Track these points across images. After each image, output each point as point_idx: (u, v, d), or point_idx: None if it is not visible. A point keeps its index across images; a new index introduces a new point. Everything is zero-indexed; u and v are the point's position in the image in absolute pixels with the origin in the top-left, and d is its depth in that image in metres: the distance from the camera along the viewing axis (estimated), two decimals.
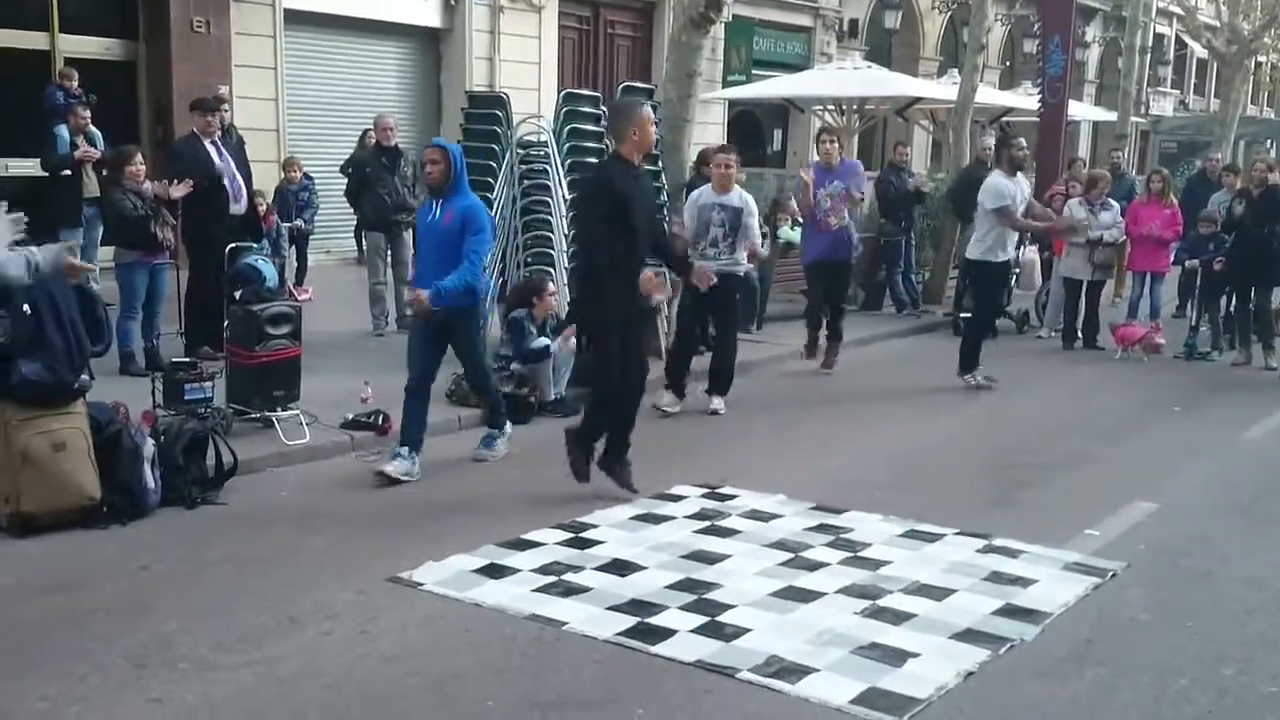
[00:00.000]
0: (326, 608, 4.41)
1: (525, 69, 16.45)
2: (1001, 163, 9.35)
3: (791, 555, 5.10)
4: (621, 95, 8.90)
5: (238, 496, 5.74)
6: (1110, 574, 4.97)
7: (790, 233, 11.60)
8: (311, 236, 12.24)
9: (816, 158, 10.07)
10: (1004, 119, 18.47)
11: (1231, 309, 10.77)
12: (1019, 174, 9.21)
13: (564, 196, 8.76)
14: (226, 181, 8.43)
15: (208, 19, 12.64)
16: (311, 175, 12.32)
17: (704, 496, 5.98)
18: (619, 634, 4.21)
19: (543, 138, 9.05)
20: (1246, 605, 4.71)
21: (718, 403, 7.98)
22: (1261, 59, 30.56)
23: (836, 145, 9.77)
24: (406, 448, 6.13)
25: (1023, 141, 9.55)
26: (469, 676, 3.90)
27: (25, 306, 5.06)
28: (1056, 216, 10.38)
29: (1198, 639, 4.35)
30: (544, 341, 7.79)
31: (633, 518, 5.60)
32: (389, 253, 10.18)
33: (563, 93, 9.78)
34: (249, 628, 4.21)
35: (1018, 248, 12.10)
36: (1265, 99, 36.64)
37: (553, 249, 8.74)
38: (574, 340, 7.82)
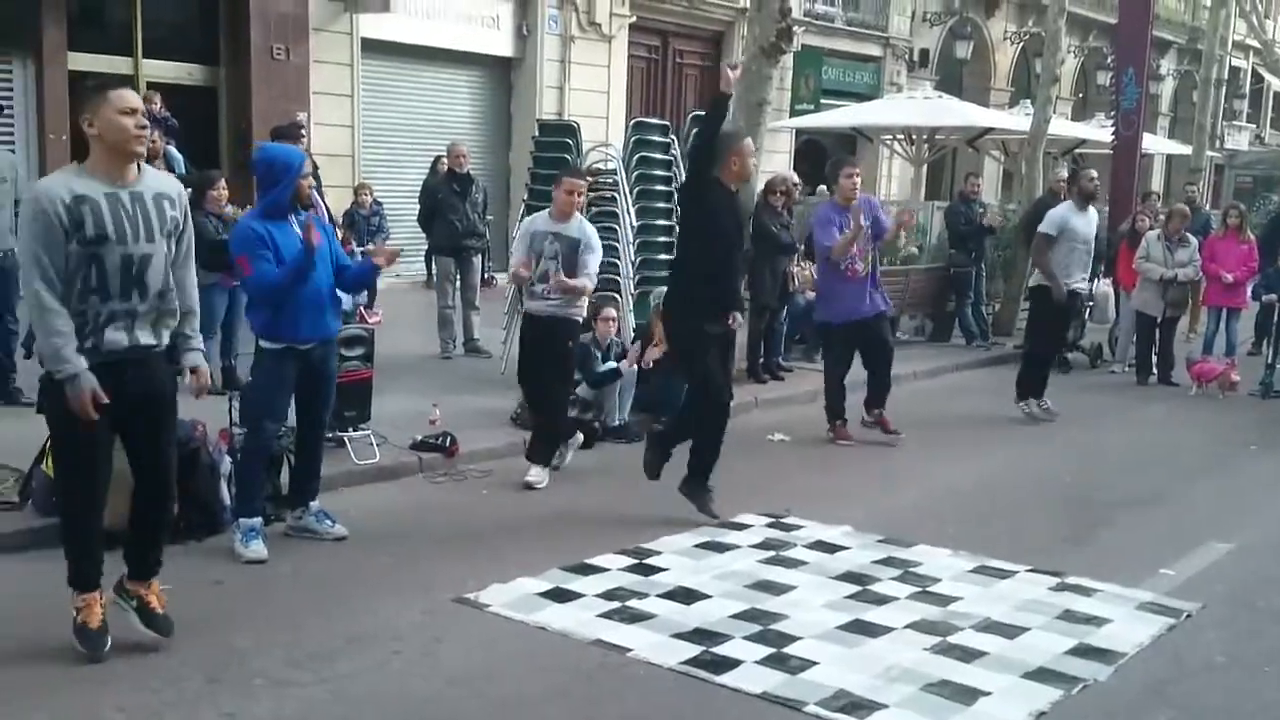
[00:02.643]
0: (393, 628, 4.45)
1: (595, 98, 16.61)
2: (1072, 193, 9.20)
3: (859, 588, 5.05)
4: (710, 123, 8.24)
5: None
6: (1185, 615, 4.85)
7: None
8: None
9: (832, 196, 8.35)
10: (1077, 151, 18.27)
11: None
12: (1090, 207, 9.01)
13: (631, 224, 8.82)
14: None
15: (287, 46, 12.94)
16: (381, 200, 12.52)
17: (769, 526, 5.95)
18: (683, 662, 4.19)
19: (611, 165, 9.13)
20: None
21: (535, 474, 6.51)
22: None
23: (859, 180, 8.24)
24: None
25: (1093, 173, 9.34)
26: (532, 700, 3.91)
27: None
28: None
29: (1276, 684, 4.23)
30: (611, 365, 7.83)
31: (697, 545, 5.58)
32: (458, 277, 10.31)
33: (632, 121, 9.87)
34: (319, 645, 4.26)
35: (1092, 280, 11.96)
36: None
37: (619, 275, 8.80)
38: (637, 366, 7.85)
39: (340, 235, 10.16)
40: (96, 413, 3.86)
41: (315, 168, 9.42)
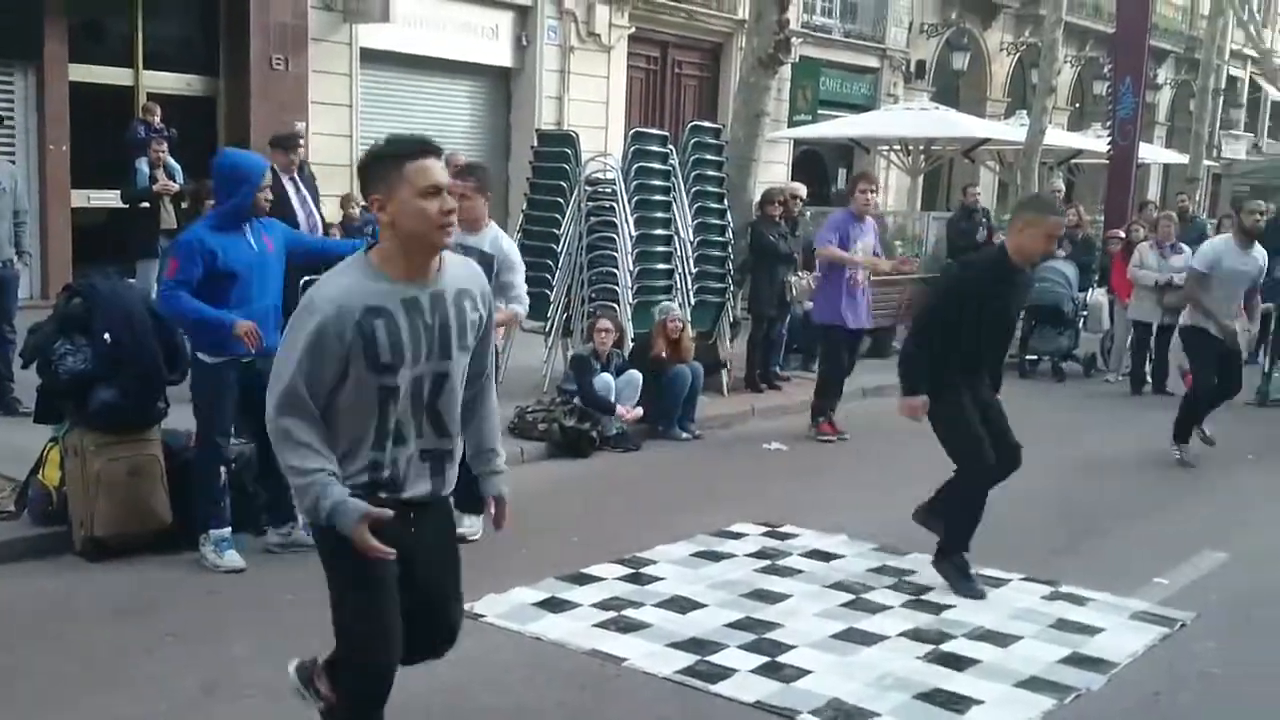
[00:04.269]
0: None
1: (594, 108, 16.65)
2: (1233, 228, 8.26)
3: (853, 597, 5.07)
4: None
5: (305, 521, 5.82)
6: (1179, 624, 4.86)
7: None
8: None
9: (849, 207, 8.51)
10: (1073, 160, 18.33)
11: None
12: (1256, 245, 7.97)
13: (630, 234, 8.85)
14: (303, 217, 8.61)
15: (286, 57, 12.97)
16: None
17: (764, 535, 5.96)
18: (678, 671, 4.21)
19: (610, 175, 9.16)
20: None
21: (469, 524, 5.50)
22: None
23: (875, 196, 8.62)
24: None
25: (1262, 205, 8.30)
26: (529, 710, 3.93)
27: (106, 335, 5.22)
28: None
29: (1271, 694, 4.24)
30: (606, 379, 7.85)
31: (693, 555, 5.60)
32: None
33: (631, 132, 9.89)
34: (314, 655, 4.26)
35: (1085, 289, 11.99)
36: None
37: (617, 285, 8.82)
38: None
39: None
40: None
41: (313, 178, 9.52)
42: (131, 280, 8.21)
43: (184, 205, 9.32)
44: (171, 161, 10.30)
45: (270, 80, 12.84)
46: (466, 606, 4.73)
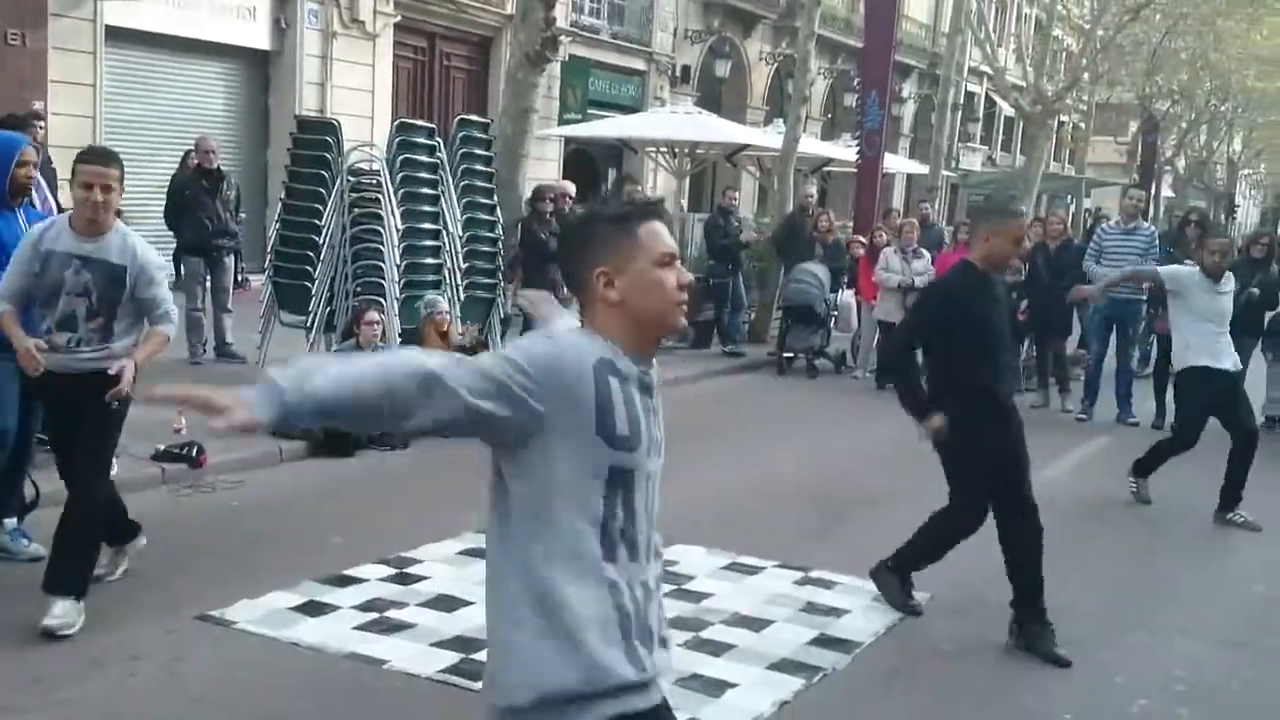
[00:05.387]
0: (131, 647, 4.22)
1: (358, 96, 16.24)
2: (1200, 260, 7.26)
3: None
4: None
5: (40, 530, 5.41)
6: (917, 605, 5.20)
7: None
8: None
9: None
10: (825, 168, 19.23)
11: (1031, 354, 11.48)
12: (1227, 278, 7.12)
13: (396, 227, 8.68)
14: (39, 202, 8.01)
15: (23, 31, 12.04)
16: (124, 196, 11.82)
17: None
18: (441, 671, 4.17)
19: (375, 166, 8.96)
20: None
21: (60, 612, 4.31)
22: (1064, 119, 32.79)
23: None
24: None
25: (1224, 241, 7.40)
26: (284, 718, 3.80)
27: None
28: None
29: (998, 669, 4.60)
30: None
31: (460, 552, 5.56)
32: (207, 278, 9.86)
33: (396, 122, 9.71)
34: (46, 669, 4.00)
35: (835, 290, 12.63)
36: (1067, 156, 39.24)
37: (383, 279, 8.64)
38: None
39: None
40: None
41: (49, 161, 8.87)
42: None
43: None
44: None
45: (5, 56, 11.90)
46: (217, 612, 4.57)
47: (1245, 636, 5.20)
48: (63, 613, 4.31)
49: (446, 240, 9.06)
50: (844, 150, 17.91)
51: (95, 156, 4.49)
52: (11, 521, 5.21)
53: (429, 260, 9.01)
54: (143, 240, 4.59)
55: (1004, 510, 4.96)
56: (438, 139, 9.15)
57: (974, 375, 4.86)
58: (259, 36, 15.32)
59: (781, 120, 17.36)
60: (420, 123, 9.65)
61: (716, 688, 4.15)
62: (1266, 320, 10.23)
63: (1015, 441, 4.97)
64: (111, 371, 4.37)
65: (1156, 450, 7.39)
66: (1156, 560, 6.38)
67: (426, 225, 8.99)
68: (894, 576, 5.21)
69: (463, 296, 9.13)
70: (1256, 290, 9.35)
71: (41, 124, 9.55)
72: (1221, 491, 7.07)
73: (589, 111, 20.08)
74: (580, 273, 2.17)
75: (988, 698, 4.29)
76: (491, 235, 9.55)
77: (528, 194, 10.33)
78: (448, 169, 9.13)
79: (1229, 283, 7.17)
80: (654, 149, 17.90)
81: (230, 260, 10.30)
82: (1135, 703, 4.32)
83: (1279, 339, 10.49)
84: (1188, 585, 5.90)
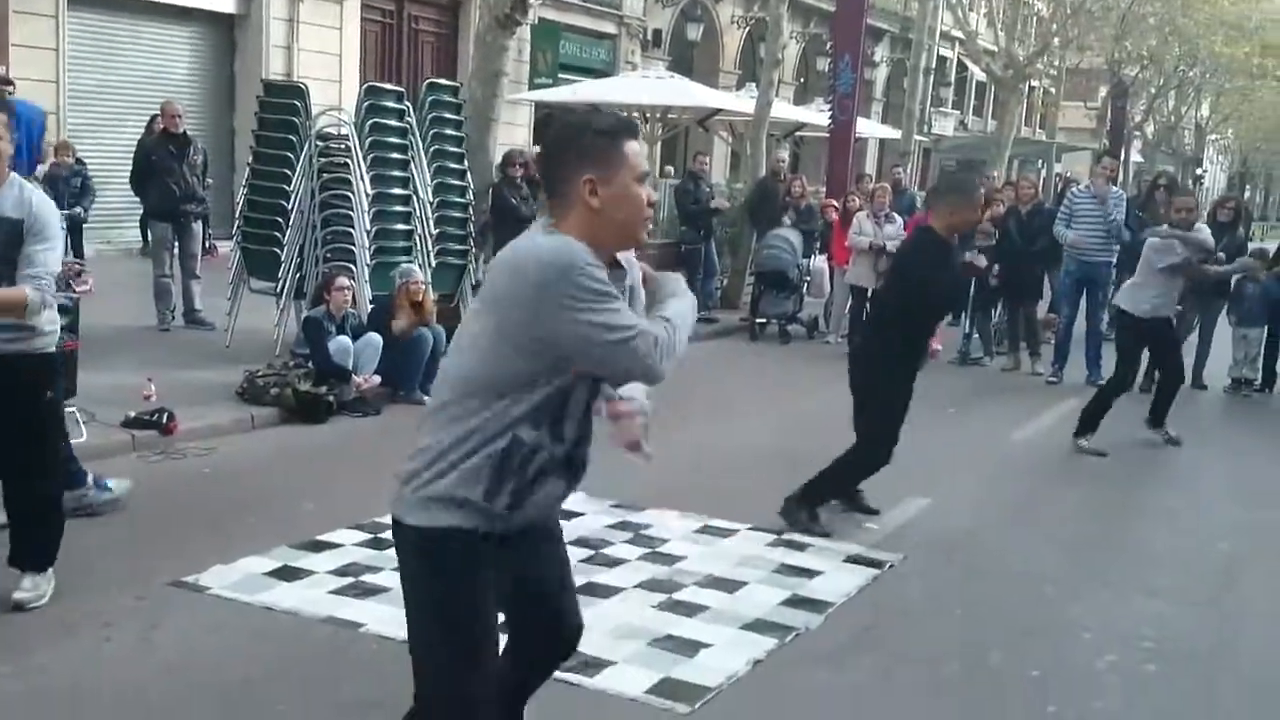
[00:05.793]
0: (104, 614, 4.21)
1: (326, 60, 16.05)
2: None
3: (593, 552, 5.17)
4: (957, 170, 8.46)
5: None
6: (888, 565, 5.25)
7: None
8: (86, 225, 11.59)
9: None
10: (798, 133, 19.19)
11: (1003, 318, 11.56)
12: (1196, 227, 7.72)
13: (366, 191, 8.60)
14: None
15: None
16: (84, 160, 11.66)
17: None
18: None
19: (344, 130, 8.87)
20: (1011, 597, 5.05)
21: (28, 583, 4.25)
22: (1035, 83, 32.83)
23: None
24: None
25: (1190, 201, 7.97)
26: (259, 682, 3.80)
27: None
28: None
29: (968, 628, 4.65)
30: (345, 343, 7.64)
31: None
32: (175, 244, 9.75)
33: (364, 86, 9.61)
34: (17, 636, 3.98)
35: (807, 256, 12.64)
36: (1038, 121, 39.33)
37: (353, 245, 8.57)
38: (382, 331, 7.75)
39: None
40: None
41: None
42: None
43: None
44: None
45: None
46: (190, 578, 4.55)
47: (1211, 594, 5.29)
48: (32, 585, 4.25)
49: (417, 205, 8.98)
50: (817, 115, 17.86)
51: None
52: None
53: (399, 226, 8.94)
54: (44, 195, 4.16)
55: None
56: (407, 103, 9.06)
57: (920, 328, 5.79)
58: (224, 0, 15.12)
59: (754, 84, 17.31)
60: (389, 86, 9.54)
61: (690, 648, 4.18)
62: (1232, 284, 10.34)
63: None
64: None
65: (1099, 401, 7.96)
66: (1127, 519, 6.46)
67: (396, 190, 8.92)
68: (804, 508, 5.69)
69: (434, 263, 9.07)
70: (1223, 255, 9.45)
71: (11, 88, 9.39)
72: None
73: (560, 75, 19.94)
74: (568, 178, 2.40)
75: (956, 656, 4.34)
76: (462, 200, 9.49)
77: (498, 159, 10.25)
78: (417, 133, 9.04)
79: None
80: (625, 113, 17.81)
81: (198, 226, 10.19)
82: (1103, 658, 4.38)
83: (1243, 303, 10.61)
84: (1157, 544, 5.98)
